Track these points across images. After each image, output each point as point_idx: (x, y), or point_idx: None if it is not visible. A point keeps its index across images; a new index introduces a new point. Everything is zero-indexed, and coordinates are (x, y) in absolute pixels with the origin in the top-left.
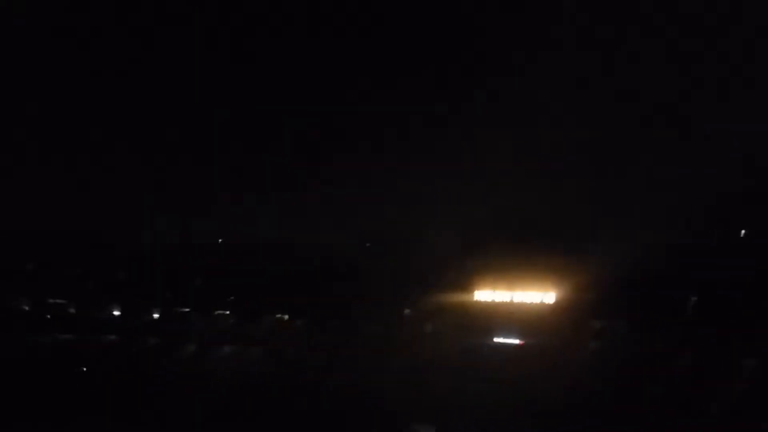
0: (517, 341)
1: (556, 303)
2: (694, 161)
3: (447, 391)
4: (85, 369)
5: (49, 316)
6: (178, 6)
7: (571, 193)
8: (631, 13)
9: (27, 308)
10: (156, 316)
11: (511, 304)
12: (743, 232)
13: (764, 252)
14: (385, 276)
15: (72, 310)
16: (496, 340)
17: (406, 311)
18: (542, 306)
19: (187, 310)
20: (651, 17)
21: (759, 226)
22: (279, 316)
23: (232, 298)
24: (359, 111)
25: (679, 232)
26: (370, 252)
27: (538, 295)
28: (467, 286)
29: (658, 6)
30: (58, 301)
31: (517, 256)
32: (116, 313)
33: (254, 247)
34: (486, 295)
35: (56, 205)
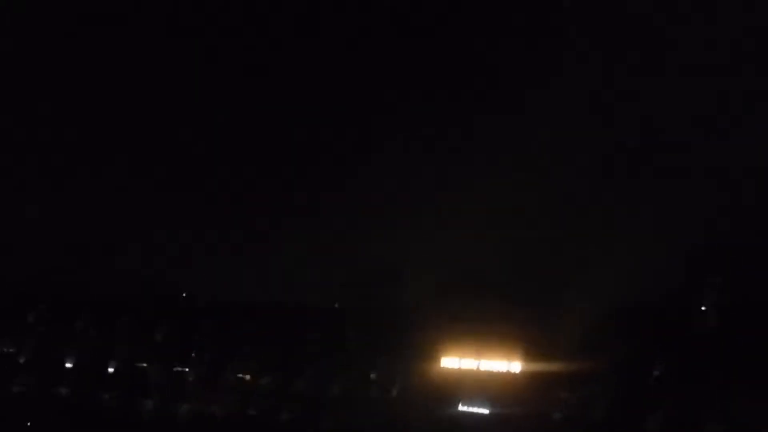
0: (483, 410)
1: (522, 372)
2: (663, 220)
3: None
4: (29, 424)
5: None
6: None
7: (539, 258)
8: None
9: None
10: (111, 369)
11: (477, 372)
12: (712, 297)
13: (733, 316)
14: (352, 338)
15: (22, 360)
16: (461, 408)
17: (372, 375)
18: (508, 375)
19: (145, 365)
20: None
21: (729, 291)
22: (240, 375)
23: (193, 354)
24: (324, 165)
25: (644, 295)
26: (339, 313)
27: (504, 363)
28: (434, 352)
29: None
30: (7, 350)
31: (483, 324)
32: (69, 365)
33: (220, 303)
34: (453, 362)
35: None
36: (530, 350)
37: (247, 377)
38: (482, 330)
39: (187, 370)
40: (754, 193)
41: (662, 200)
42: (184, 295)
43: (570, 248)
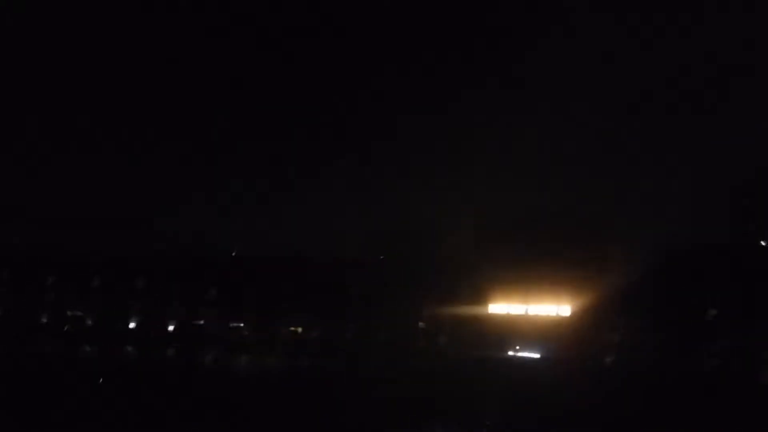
0: (532, 354)
1: (572, 316)
2: (708, 160)
3: (461, 400)
4: (101, 380)
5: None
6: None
7: (586, 203)
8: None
9: (45, 320)
10: (171, 328)
11: (525, 317)
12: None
13: None
14: (399, 289)
15: (90, 323)
16: (510, 353)
17: (421, 324)
18: (557, 319)
19: (202, 322)
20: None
21: None
22: (293, 328)
23: (247, 310)
24: (368, 121)
25: (694, 239)
26: (385, 265)
27: (553, 308)
28: (482, 299)
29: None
30: (76, 313)
31: (531, 269)
32: (132, 325)
33: (266, 259)
34: (500, 308)
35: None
36: (579, 294)
37: (299, 330)
38: (530, 275)
39: (242, 325)
40: None
41: (709, 140)
42: (233, 254)
43: (620, 190)
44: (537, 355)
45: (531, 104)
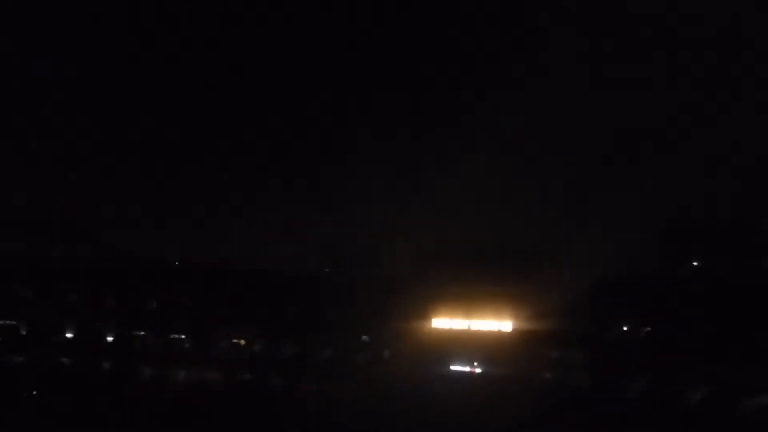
0: (474, 369)
1: (513, 332)
2: (649, 192)
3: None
4: (35, 393)
5: None
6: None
7: (529, 221)
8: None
9: None
10: (110, 339)
11: (467, 332)
12: (695, 263)
13: (715, 283)
14: (344, 302)
15: (23, 332)
16: (452, 368)
17: (364, 337)
18: (499, 334)
19: (142, 333)
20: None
21: (711, 258)
22: (235, 341)
23: (188, 322)
24: (322, 134)
25: (634, 261)
26: (329, 278)
27: (494, 323)
28: (425, 313)
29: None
30: (8, 322)
31: (474, 285)
32: (69, 335)
33: (210, 270)
34: (443, 322)
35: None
36: (521, 310)
37: (242, 342)
38: (473, 290)
39: (182, 337)
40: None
41: (645, 176)
42: (176, 263)
43: (558, 214)
44: (478, 370)
45: (476, 131)
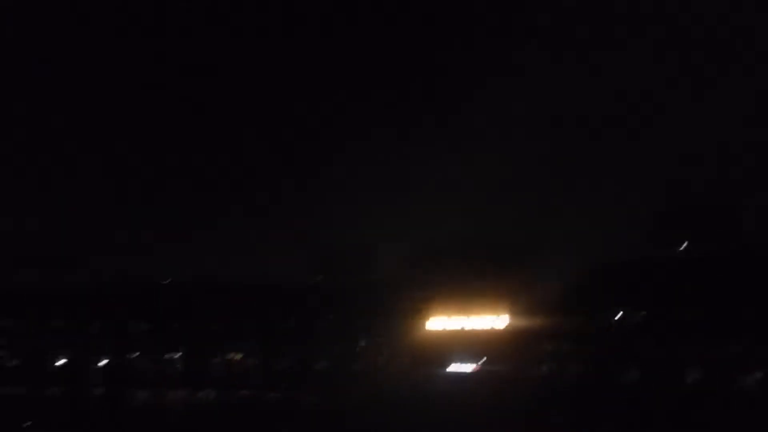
0: (471, 368)
1: (508, 327)
2: (636, 177)
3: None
4: (29, 424)
5: None
6: None
7: (517, 214)
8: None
9: None
10: (101, 364)
11: (463, 331)
12: (684, 245)
13: (706, 267)
14: (336, 310)
15: (15, 362)
16: (450, 369)
17: (361, 343)
18: (494, 331)
19: (134, 355)
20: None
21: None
22: (229, 356)
23: (181, 341)
24: (312, 135)
25: (625, 250)
26: (320, 287)
27: (489, 320)
28: (419, 315)
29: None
30: None
31: (467, 283)
32: (60, 362)
33: (199, 287)
34: (438, 323)
35: None
36: (515, 305)
37: (237, 357)
38: (465, 289)
39: (176, 357)
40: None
41: (633, 161)
42: (164, 283)
43: (551, 205)
44: (475, 367)
45: (459, 126)
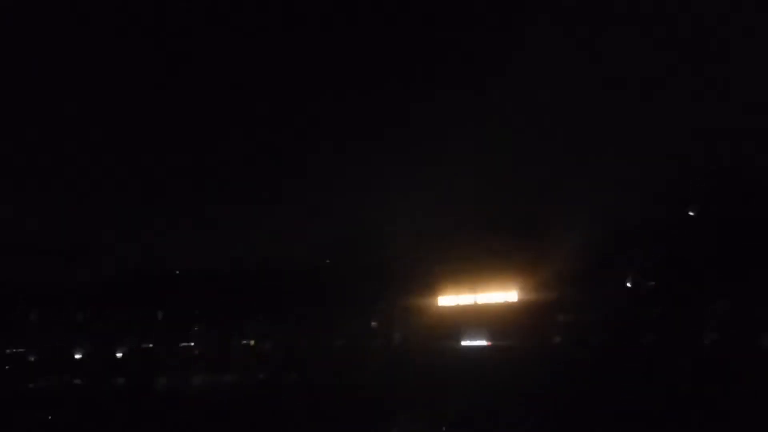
0: (484, 342)
1: (519, 301)
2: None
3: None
4: (50, 417)
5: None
6: None
7: (527, 189)
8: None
9: None
10: (119, 354)
11: (475, 306)
12: (692, 212)
13: (717, 232)
14: (348, 290)
15: (32, 359)
16: (463, 343)
17: (373, 323)
18: (506, 305)
19: (151, 345)
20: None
21: (710, 206)
22: (244, 342)
23: (196, 328)
24: (320, 120)
25: (633, 218)
26: (331, 269)
27: (500, 295)
28: (430, 292)
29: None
30: (16, 350)
31: (476, 258)
32: (78, 356)
33: (210, 274)
34: (449, 299)
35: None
36: (525, 279)
37: (252, 343)
38: (476, 264)
39: (192, 344)
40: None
41: (647, 134)
42: (177, 272)
43: (559, 178)
44: (488, 342)
45: (468, 102)
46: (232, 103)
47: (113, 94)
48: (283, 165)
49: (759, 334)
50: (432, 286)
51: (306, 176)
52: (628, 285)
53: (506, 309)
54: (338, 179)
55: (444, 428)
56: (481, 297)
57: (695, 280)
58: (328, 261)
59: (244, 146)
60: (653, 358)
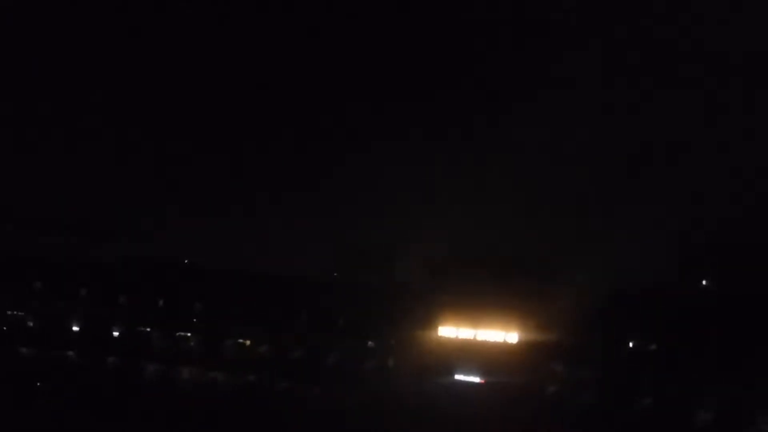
0: (478, 379)
1: (519, 343)
2: (659, 208)
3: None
4: (39, 384)
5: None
6: None
7: (541, 232)
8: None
9: None
10: (116, 333)
11: (473, 341)
12: (704, 281)
13: (724, 300)
14: (351, 308)
15: (30, 324)
16: (457, 377)
17: (370, 343)
18: (504, 345)
19: (148, 329)
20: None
21: (721, 276)
22: (241, 341)
23: (195, 320)
24: (335, 138)
25: (642, 277)
26: (338, 284)
27: (500, 334)
28: (431, 321)
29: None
30: (17, 313)
31: (481, 295)
32: (75, 328)
33: (218, 270)
34: (449, 331)
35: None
36: (527, 322)
37: (247, 343)
38: (480, 301)
39: (189, 335)
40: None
41: (658, 190)
42: (186, 261)
43: (569, 225)
44: (482, 380)
45: (488, 138)
46: (255, 112)
47: (148, 94)
48: (303, 173)
49: (755, 418)
50: (434, 316)
51: (326, 186)
52: (630, 345)
53: (504, 348)
54: (357, 193)
55: None
56: (481, 333)
57: (697, 350)
58: (335, 275)
59: (265, 151)
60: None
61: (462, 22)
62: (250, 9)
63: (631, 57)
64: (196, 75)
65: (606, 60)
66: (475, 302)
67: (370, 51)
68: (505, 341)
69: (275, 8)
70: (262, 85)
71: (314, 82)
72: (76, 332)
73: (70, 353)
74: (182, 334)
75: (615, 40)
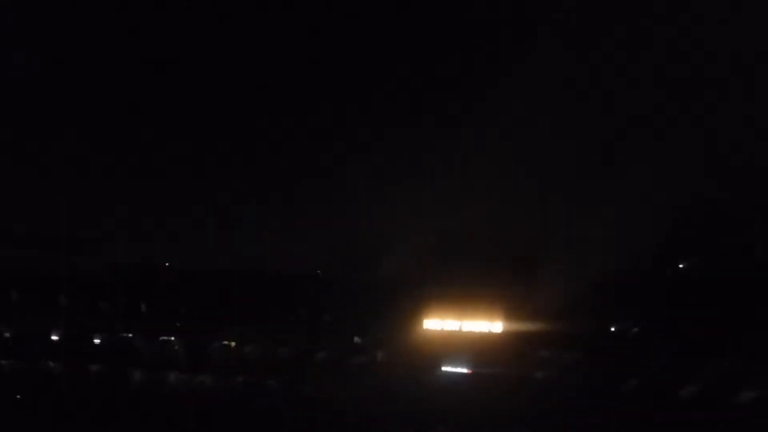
0: (465, 370)
1: (504, 332)
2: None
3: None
4: (18, 397)
5: None
6: None
7: (520, 220)
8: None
9: None
10: (97, 341)
11: (459, 332)
12: (689, 261)
13: (707, 281)
14: (336, 305)
15: (7, 334)
16: (444, 368)
17: (356, 339)
18: (490, 335)
19: (130, 335)
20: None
21: (704, 256)
22: (226, 342)
23: (179, 324)
24: (317, 134)
25: (626, 260)
26: (321, 279)
27: (485, 324)
28: (417, 315)
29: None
30: None
31: (465, 285)
32: (55, 337)
33: (200, 271)
34: (435, 324)
35: None
36: (511, 311)
37: (233, 344)
38: (464, 291)
39: (173, 339)
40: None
41: (642, 171)
42: (167, 264)
43: (552, 209)
44: (469, 370)
45: (471, 125)
46: (245, 110)
47: (132, 91)
48: (286, 170)
49: (738, 390)
50: (419, 309)
51: (307, 183)
52: (612, 329)
53: (489, 338)
54: (342, 190)
55: None
56: (466, 324)
57: (681, 331)
58: (319, 271)
59: (252, 153)
60: (632, 404)
61: (462, 22)
62: (250, 9)
63: (631, 57)
64: (185, 74)
65: (606, 60)
66: (459, 294)
67: (370, 51)
68: (490, 331)
69: (275, 8)
70: (248, 84)
71: (305, 82)
72: (55, 341)
73: (50, 362)
74: (166, 338)
75: (615, 40)
